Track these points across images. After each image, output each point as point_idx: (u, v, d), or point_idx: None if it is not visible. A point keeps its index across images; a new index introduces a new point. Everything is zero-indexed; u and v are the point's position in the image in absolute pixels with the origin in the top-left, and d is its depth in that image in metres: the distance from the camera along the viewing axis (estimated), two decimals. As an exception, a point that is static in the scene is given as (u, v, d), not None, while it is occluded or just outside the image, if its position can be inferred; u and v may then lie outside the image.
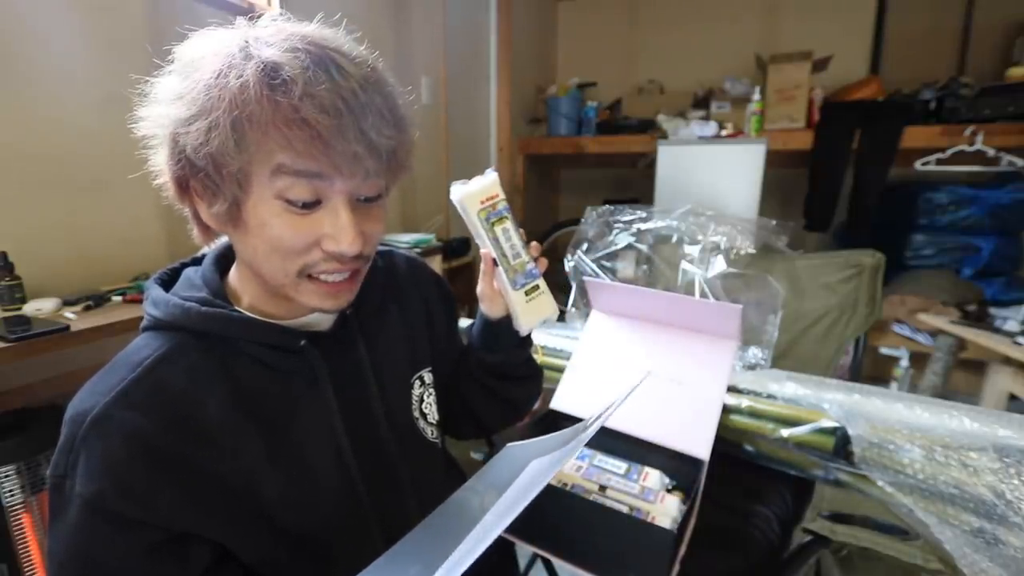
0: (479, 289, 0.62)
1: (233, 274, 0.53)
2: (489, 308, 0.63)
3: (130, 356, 0.46)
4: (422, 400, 0.63)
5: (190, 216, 0.48)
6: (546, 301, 0.61)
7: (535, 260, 0.60)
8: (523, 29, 2.94)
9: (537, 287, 0.60)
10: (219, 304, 0.48)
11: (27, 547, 0.86)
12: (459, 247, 2.20)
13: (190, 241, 0.50)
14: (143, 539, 0.42)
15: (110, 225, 1.14)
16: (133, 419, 0.42)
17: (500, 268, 0.58)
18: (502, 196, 0.58)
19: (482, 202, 0.57)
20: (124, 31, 1.14)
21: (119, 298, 1.05)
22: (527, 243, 0.60)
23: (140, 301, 1.02)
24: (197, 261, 0.56)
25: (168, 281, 0.54)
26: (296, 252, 0.45)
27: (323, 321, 0.54)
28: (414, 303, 0.66)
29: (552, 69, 3.53)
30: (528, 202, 3.13)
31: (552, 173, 3.69)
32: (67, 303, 0.99)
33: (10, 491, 0.83)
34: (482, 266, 0.60)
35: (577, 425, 0.50)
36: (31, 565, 0.87)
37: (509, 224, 0.58)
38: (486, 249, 0.58)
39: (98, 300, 1.01)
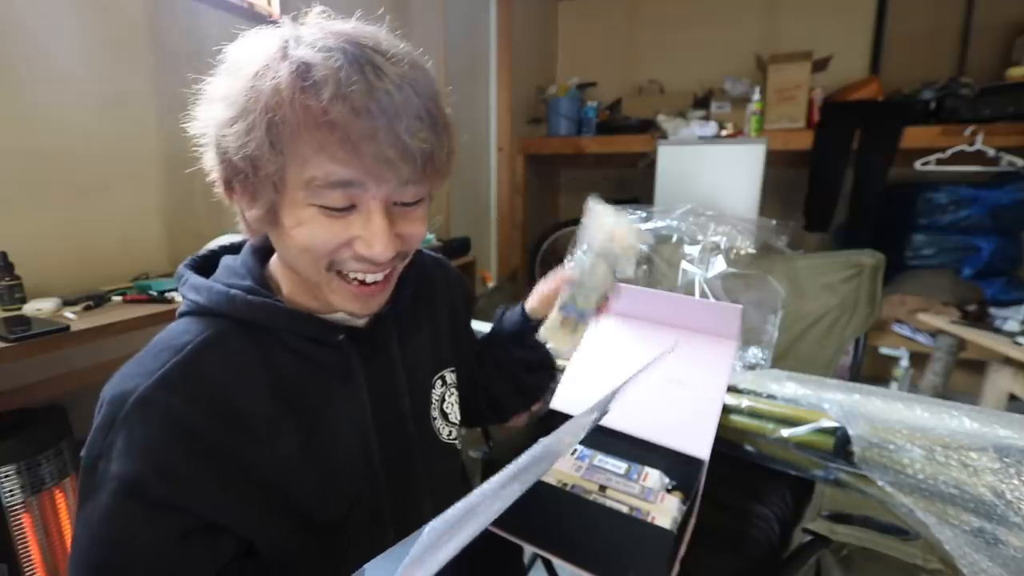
0: (542, 287, 0.66)
1: (274, 264, 0.53)
2: (536, 308, 0.67)
3: (172, 340, 0.46)
4: (443, 400, 0.64)
5: (239, 214, 0.49)
6: (573, 338, 0.63)
7: (597, 310, 0.63)
8: (523, 29, 2.94)
9: (579, 325, 0.63)
10: (264, 294, 0.49)
11: (27, 547, 0.86)
12: (459, 247, 2.20)
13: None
14: (178, 524, 0.42)
15: (110, 225, 1.14)
16: (175, 403, 0.42)
17: (568, 287, 0.61)
18: (633, 248, 0.59)
19: (613, 240, 0.59)
20: (124, 31, 1.14)
21: (119, 298, 1.04)
22: (604, 299, 0.62)
23: (140, 301, 1.02)
24: (228, 249, 0.57)
25: (199, 268, 0.54)
26: (326, 252, 0.45)
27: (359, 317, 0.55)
28: (441, 303, 0.67)
29: (552, 69, 3.53)
30: (528, 202, 3.13)
31: (552, 173, 3.69)
32: (67, 303, 0.98)
33: (10, 491, 0.83)
34: (560, 272, 0.64)
35: (605, 397, 0.50)
36: (31, 565, 0.87)
37: (610, 272, 0.60)
38: (572, 265, 0.61)
39: (98, 300, 1.01)
